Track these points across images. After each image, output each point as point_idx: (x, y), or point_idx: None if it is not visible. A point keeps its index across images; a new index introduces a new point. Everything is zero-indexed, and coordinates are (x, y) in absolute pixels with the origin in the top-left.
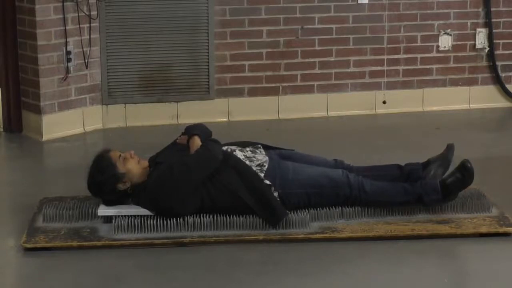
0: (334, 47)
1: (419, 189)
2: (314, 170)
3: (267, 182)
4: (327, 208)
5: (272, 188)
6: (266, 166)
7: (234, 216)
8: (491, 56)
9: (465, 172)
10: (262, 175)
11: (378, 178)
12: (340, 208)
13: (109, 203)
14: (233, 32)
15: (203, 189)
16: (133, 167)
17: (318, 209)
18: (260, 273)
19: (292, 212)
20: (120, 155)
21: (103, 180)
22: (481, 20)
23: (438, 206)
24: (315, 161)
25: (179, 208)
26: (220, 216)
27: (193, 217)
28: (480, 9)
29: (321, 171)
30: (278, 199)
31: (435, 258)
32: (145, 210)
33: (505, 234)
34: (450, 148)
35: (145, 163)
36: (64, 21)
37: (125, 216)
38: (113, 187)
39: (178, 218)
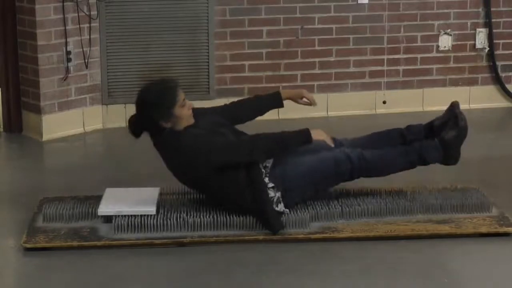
0: (334, 47)
1: (419, 149)
2: (312, 158)
3: (271, 184)
4: (327, 208)
5: (275, 189)
6: (269, 166)
7: (234, 216)
8: (491, 56)
9: (457, 120)
10: (266, 179)
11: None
12: (340, 208)
13: (137, 124)
14: (233, 32)
15: (219, 171)
16: (185, 118)
17: (318, 209)
18: (260, 273)
19: (292, 212)
20: (184, 98)
21: (156, 105)
22: (481, 20)
23: (439, 163)
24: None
25: (196, 168)
26: (220, 216)
27: (193, 217)
28: (480, 9)
29: (319, 157)
30: (281, 199)
31: (435, 258)
32: (145, 209)
33: (505, 234)
34: (455, 107)
35: (192, 121)
36: (64, 21)
37: (125, 216)
38: (157, 117)
39: (178, 218)
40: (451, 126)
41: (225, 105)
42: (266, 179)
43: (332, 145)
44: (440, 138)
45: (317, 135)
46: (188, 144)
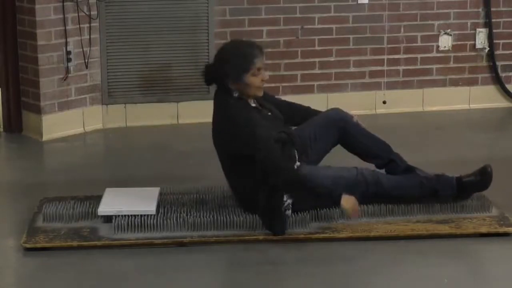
0: (334, 47)
1: (434, 184)
2: (330, 174)
3: None
4: (327, 208)
5: (289, 195)
6: None
7: (234, 216)
8: (491, 56)
9: (484, 176)
10: None
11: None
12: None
13: (211, 73)
14: (233, 32)
15: (248, 159)
16: (253, 88)
17: (318, 209)
18: (260, 273)
19: (292, 213)
20: (260, 68)
21: (230, 63)
22: (481, 20)
23: (451, 202)
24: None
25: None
26: (220, 216)
27: (193, 217)
28: (480, 9)
29: (336, 175)
30: (291, 206)
31: (435, 258)
32: (145, 209)
33: (505, 234)
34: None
35: (260, 94)
36: (64, 21)
37: (125, 215)
38: (227, 75)
39: (178, 218)
40: (475, 173)
41: (279, 99)
42: None
43: (357, 218)
44: (458, 178)
45: (346, 203)
46: (242, 126)
